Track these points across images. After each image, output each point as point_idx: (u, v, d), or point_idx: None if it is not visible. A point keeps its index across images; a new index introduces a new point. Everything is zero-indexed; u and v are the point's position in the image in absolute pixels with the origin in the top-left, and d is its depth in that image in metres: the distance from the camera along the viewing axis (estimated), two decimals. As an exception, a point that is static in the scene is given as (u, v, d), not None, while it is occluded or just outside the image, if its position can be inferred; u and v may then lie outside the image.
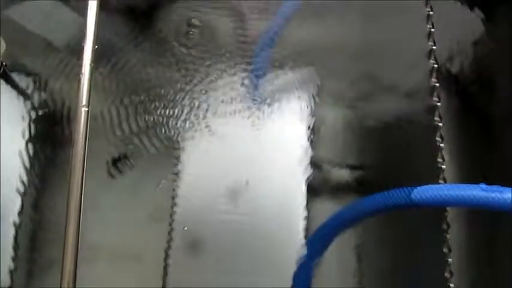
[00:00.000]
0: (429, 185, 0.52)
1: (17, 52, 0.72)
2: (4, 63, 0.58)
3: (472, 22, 0.75)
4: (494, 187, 0.47)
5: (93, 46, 0.44)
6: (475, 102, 0.74)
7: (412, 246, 0.61)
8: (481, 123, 0.73)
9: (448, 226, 0.53)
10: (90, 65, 0.43)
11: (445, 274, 0.52)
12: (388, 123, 0.76)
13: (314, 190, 0.77)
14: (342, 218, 0.60)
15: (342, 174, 0.77)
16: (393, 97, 0.74)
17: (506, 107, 0.71)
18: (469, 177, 0.65)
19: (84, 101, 0.42)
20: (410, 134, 0.72)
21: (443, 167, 0.53)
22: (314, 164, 0.77)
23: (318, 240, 0.63)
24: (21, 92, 0.66)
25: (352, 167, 0.77)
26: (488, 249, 0.60)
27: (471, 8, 0.75)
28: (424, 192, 0.51)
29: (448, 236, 0.52)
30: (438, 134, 0.55)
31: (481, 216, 0.58)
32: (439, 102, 0.55)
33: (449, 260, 0.51)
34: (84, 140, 0.42)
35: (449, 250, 0.52)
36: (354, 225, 0.61)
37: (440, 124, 0.54)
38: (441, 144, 0.54)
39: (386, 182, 0.72)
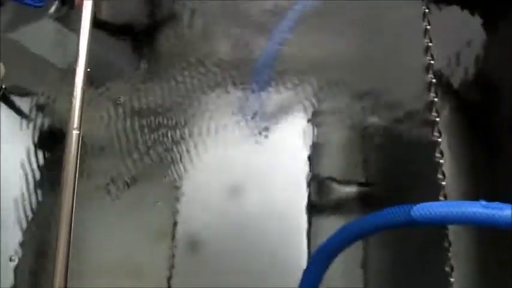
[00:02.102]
0: (428, 202, 0.51)
1: (19, 74, 0.74)
2: (4, 87, 0.59)
3: (474, 31, 0.75)
4: (494, 204, 0.46)
5: (85, 69, 0.44)
6: (479, 114, 0.74)
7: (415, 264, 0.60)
8: (484, 136, 0.72)
9: (450, 244, 0.52)
10: (82, 88, 0.43)
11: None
12: (390, 138, 0.76)
13: (315, 206, 0.77)
14: (343, 236, 0.60)
15: (344, 191, 0.76)
16: (394, 112, 0.74)
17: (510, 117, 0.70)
18: (474, 191, 0.64)
19: (75, 123, 0.42)
20: (413, 149, 0.71)
21: (444, 183, 0.52)
22: (315, 180, 0.77)
23: (319, 259, 0.63)
24: (21, 114, 0.67)
25: (355, 183, 0.76)
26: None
27: (472, 16, 0.75)
28: (424, 209, 0.50)
29: (450, 254, 0.51)
30: (438, 150, 0.54)
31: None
32: (437, 117, 0.54)
33: (451, 279, 0.50)
34: (75, 163, 0.42)
35: (452, 269, 0.51)
36: (354, 242, 0.60)
37: (439, 140, 0.54)
38: (441, 161, 0.53)
39: (390, 198, 0.71)
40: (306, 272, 0.62)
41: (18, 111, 0.67)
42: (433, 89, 0.54)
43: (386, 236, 0.67)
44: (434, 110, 0.55)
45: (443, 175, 0.53)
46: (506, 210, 0.45)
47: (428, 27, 0.58)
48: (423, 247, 0.58)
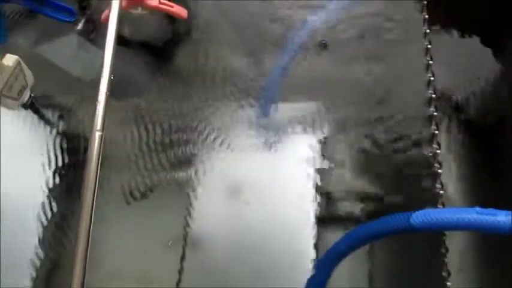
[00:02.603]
0: (426, 210, 0.54)
1: (46, 85, 0.78)
2: (32, 95, 0.64)
3: (476, 55, 0.78)
4: (489, 210, 0.49)
5: (110, 76, 0.48)
6: (482, 134, 0.76)
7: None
8: (488, 155, 0.74)
9: (447, 250, 0.54)
10: (106, 93, 0.47)
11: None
12: (396, 155, 0.78)
13: (323, 220, 0.79)
14: (347, 242, 0.62)
15: (351, 206, 0.78)
16: (399, 129, 0.77)
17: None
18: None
19: (98, 125, 0.46)
20: (418, 166, 0.73)
21: (441, 192, 0.55)
22: (323, 194, 0.79)
23: (324, 264, 0.65)
24: (46, 122, 0.71)
25: (362, 198, 0.78)
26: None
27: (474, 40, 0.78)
28: (422, 216, 0.53)
29: (446, 260, 0.53)
30: (436, 160, 0.57)
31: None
32: (436, 130, 0.57)
33: (448, 283, 0.52)
34: (97, 162, 0.45)
35: (449, 274, 0.53)
36: (358, 248, 0.63)
37: (438, 151, 0.56)
38: (439, 171, 0.56)
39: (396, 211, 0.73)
40: (311, 277, 0.64)
41: (44, 118, 0.71)
42: (432, 105, 0.57)
43: (390, 244, 0.69)
44: (434, 123, 0.58)
45: (442, 184, 0.56)
46: (499, 216, 0.48)
47: (429, 46, 0.61)
48: (423, 254, 0.60)
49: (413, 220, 0.53)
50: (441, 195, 0.54)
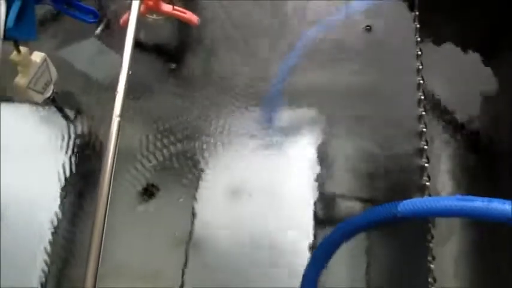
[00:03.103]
0: (412, 199, 0.58)
1: (64, 85, 0.83)
2: (55, 91, 0.69)
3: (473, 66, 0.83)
4: (467, 197, 0.54)
5: (128, 70, 0.54)
6: (477, 140, 0.80)
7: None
8: (482, 163, 0.78)
9: (432, 237, 0.59)
10: (124, 85, 0.53)
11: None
12: (393, 158, 0.82)
13: (322, 221, 0.82)
14: (340, 233, 0.67)
15: (351, 206, 0.82)
16: (395, 132, 0.81)
17: (507, 146, 0.77)
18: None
19: (118, 112, 0.52)
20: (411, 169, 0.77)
21: (428, 183, 0.60)
22: (323, 195, 0.83)
23: (320, 253, 0.69)
24: (66, 118, 0.77)
25: (361, 200, 0.82)
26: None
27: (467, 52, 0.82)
28: (408, 205, 0.58)
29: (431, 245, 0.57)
30: (424, 155, 0.61)
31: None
32: (425, 128, 0.62)
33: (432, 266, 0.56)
34: (115, 144, 0.51)
35: (433, 258, 0.57)
36: (351, 238, 0.67)
37: (425, 147, 0.61)
38: (426, 165, 0.60)
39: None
40: (307, 268, 0.69)
41: (63, 114, 0.77)
42: (422, 104, 0.62)
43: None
44: (422, 122, 0.63)
45: (428, 177, 0.60)
46: (476, 202, 0.52)
47: (419, 52, 0.66)
48: (412, 241, 0.65)
49: (400, 208, 0.58)
50: (428, 187, 0.59)
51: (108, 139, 0.51)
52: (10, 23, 0.50)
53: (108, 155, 0.51)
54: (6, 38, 0.49)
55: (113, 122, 0.51)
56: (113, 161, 0.51)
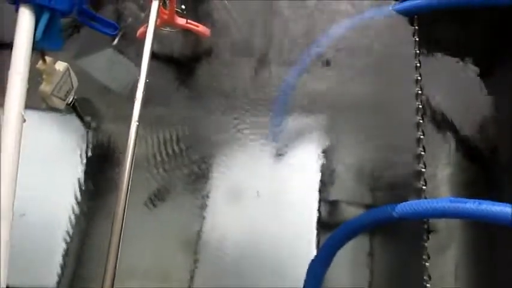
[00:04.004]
0: (409, 201, 0.62)
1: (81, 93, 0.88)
2: (75, 97, 0.74)
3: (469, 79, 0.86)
4: (460, 199, 0.58)
5: (146, 79, 0.59)
6: (477, 152, 0.84)
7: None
8: (482, 172, 0.82)
9: (428, 238, 0.62)
10: (142, 92, 0.58)
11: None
12: (394, 164, 0.85)
13: (326, 225, 0.85)
14: (341, 234, 0.71)
15: (353, 212, 0.85)
16: (395, 140, 0.84)
17: (506, 157, 0.80)
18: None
19: (136, 117, 0.56)
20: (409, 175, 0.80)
21: (424, 187, 0.64)
22: (327, 201, 0.86)
23: (322, 255, 0.73)
24: (85, 125, 0.81)
25: (363, 206, 0.85)
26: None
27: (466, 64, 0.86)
28: (405, 207, 0.62)
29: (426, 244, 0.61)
30: (422, 161, 0.65)
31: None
32: (422, 135, 0.66)
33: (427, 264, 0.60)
34: (133, 147, 0.55)
35: (428, 257, 0.61)
36: (351, 239, 0.71)
37: (422, 153, 0.65)
38: (423, 169, 0.64)
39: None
40: (311, 267, 0.72)
41: (82, 120, 0.81)
42: (419, 99, 0.66)
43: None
44: (420, 129, 0.67)
45: (425, 182, 0.64)
46: (468, 204, 0.56)
47: (418, 64, 0.70)
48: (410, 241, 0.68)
49: (397, 210, 0.62)
50: (424, 190, 0.63)
51: (127, 142, 0.55)
52: (39, 35, 0.55)
53: (127, 157, 0.55)
54: (34, 48, 0.54)
55: (132, 126, 0.56)
56: (131, 163, 0.55)
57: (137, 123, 0.56)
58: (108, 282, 0.52)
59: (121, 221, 0.55)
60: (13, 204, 0.45)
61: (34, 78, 0.63)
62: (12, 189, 0.46)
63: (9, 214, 0.44)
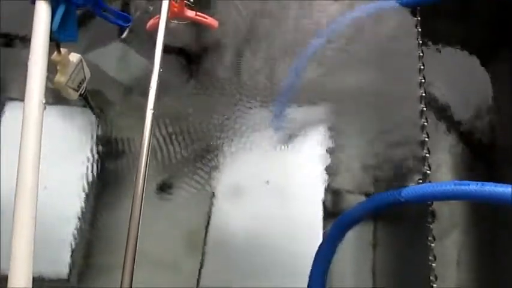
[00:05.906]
0: (414, 185, 0.65)
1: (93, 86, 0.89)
2: (87, 89, 0.75)
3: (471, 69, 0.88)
4: (463, 182, 0.60)
5: (159, 68, 0.60)
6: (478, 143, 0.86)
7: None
8: (484, 164, 0.84)
9: (433, 221, 0.65)
10: (157, 81, 0.60)
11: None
12: (397, 151, 0.87)
13: (332, 214, 0.87)
14: (350, 216, 0.73)
15: (357, 200, 0.87)
16: (399, 127, 0.86)
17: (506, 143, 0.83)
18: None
19: (151, 105, 0.58)
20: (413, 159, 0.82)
21: (429, 172, 0.66)
22: (331, 190, 0.88)
23: (334, 233, 0.75)
24: (95, 114, 0.83)
25: (367, 194, 0.87)
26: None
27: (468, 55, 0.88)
28: (410, 190, 0.64)
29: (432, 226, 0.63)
30: (426, 147, 0.68)
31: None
32: (426, 122, 0.68)
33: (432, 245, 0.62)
34: (150, 133, 0.57)
35: (434, 239, 0.63)
36: (359, 222, 0.73)
37: (427, 139, 0.68)
38: (427, 155, 0.67)
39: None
40: (320, 248, 0.74)
41: (93, 110, 0.83)
42: (422, 89, 0.68)
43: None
44: (424, 117, 0.69)
45: (429, 167, 0.67)
46: (471, 186, 0.59)
47: (421, 54, 0.73)
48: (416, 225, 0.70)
49: (403, 193, 0.64)
50: (428, 175, 0.65)
51: (143, 129, 0.57)
52: (55, 27, 0.56)
53: (144, 143, 0.57)
54: (51, 39, 0.55)
55: (147, 114, 0.58)
56: (148, 149, 0.57)
57: (152, 111, 0.58)
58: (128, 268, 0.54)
59: (139, 208, 0.57)
60: (37, 186, 0.47)
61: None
62: (37, 173, 0.48)
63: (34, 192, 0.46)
